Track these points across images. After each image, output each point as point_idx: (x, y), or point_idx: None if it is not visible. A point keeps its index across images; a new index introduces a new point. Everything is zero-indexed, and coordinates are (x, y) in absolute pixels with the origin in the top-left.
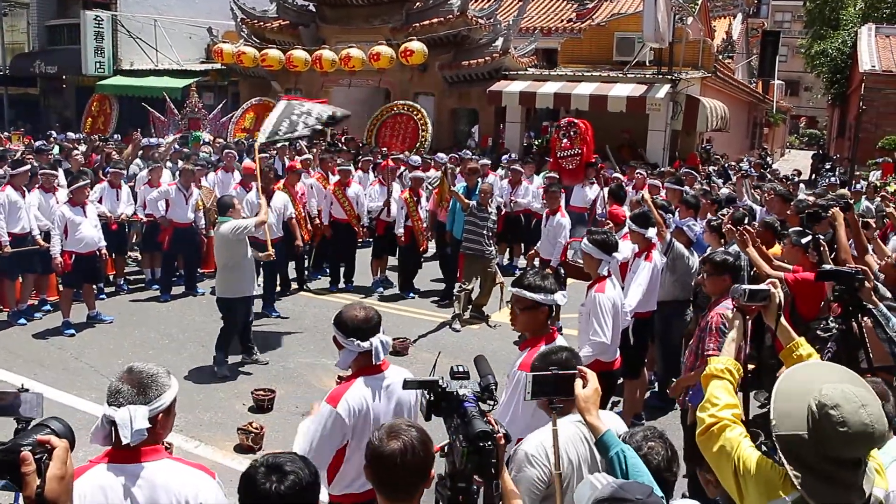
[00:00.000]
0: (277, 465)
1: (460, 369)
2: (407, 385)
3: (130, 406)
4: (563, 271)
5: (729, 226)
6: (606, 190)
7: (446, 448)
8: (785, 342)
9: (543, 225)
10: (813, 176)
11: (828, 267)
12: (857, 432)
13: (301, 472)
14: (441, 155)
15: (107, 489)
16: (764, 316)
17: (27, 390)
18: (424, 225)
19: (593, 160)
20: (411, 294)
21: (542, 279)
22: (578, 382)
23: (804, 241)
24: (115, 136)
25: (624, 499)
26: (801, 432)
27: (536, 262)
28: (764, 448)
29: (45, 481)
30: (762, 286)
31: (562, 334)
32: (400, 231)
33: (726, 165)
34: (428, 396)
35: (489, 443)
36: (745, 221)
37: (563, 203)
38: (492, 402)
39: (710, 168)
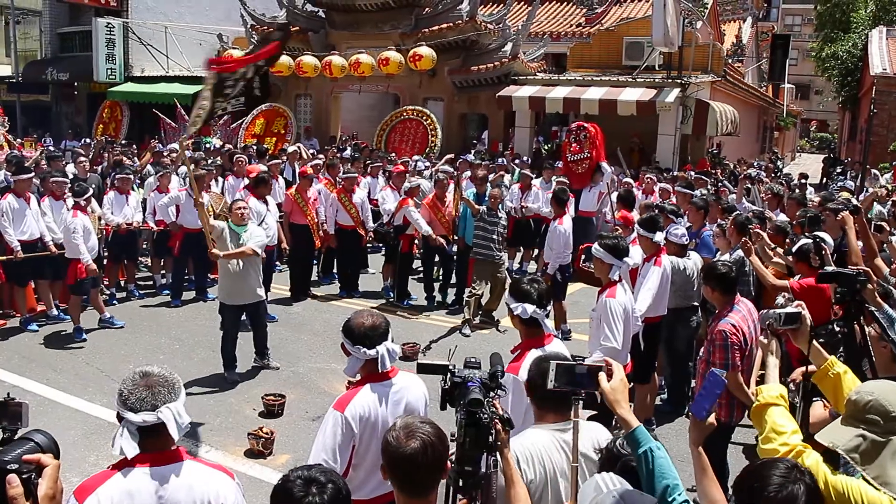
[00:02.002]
0: (313, 478)
1: (473, 360)
2: (421, 368)
3: (170, 404)
4: (559, 276)
5: (746, 239)
6: (615, 195)
7: (456, 434)
8: (818, 363)
9: None
10: (824, 180)
11: (829, 268)
12: (879, 387)
13: (338, 481)
14: (417, 157)
15: (133, 493)
16: (794, 339)
17: (13, 399)
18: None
19: (605, 165)
20: (407, 302)
21: (521, 284)
22: (603, 376)
23: (794, 248)
24: (122, 142)
25: None
26: (856, 433)
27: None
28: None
29: (37, 501)
30: (793, 309)
31: (562, 339)
32: (429, 231)
33: (736, 170)
34: (443, 384)
35: (483, 412)
36: (753, 225)
37: (572, 207)
38: (498, 389)
39: (719, 172)
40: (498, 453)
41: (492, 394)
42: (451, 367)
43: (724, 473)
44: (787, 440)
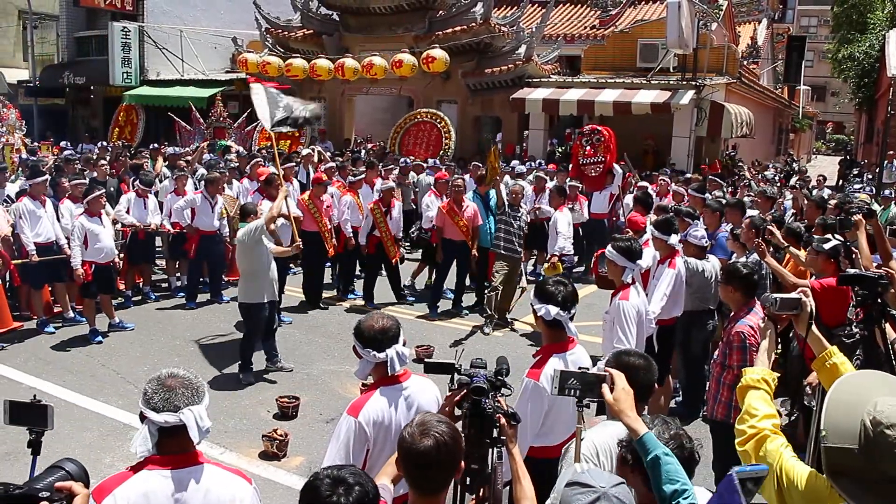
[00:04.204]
0: (341, 478)
1: (479, 360)
2: (428, 368)
3: (192, 407)
4: (564, 262)
5: (760, 241)
6: (630, 197)
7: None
8: (817, 351)
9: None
10: (840, 182)
11: (851, 271)
12: None
13: (366, 484)
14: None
15: (150, 495)
16: (795, 325)
17: (40, 401)
18: (395, 234)
19: (617, 166)
20: (373, 304)
21: (546, 285)
22: (606, 387)
23: (827, 246)
24: (141, 150)
25: (587, 484)
26: (851, 446)
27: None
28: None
29: None
30: (793, 295)
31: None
32: (362, 240)
33: (749, 172)
34: (450, 385)
35: (486, 402)
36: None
37: (586, 209)
38: (504, 387)
39: (748, 173)
40: (504, 448)
41: (497, 392)
42: (457, 367)
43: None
44: (755, 423)
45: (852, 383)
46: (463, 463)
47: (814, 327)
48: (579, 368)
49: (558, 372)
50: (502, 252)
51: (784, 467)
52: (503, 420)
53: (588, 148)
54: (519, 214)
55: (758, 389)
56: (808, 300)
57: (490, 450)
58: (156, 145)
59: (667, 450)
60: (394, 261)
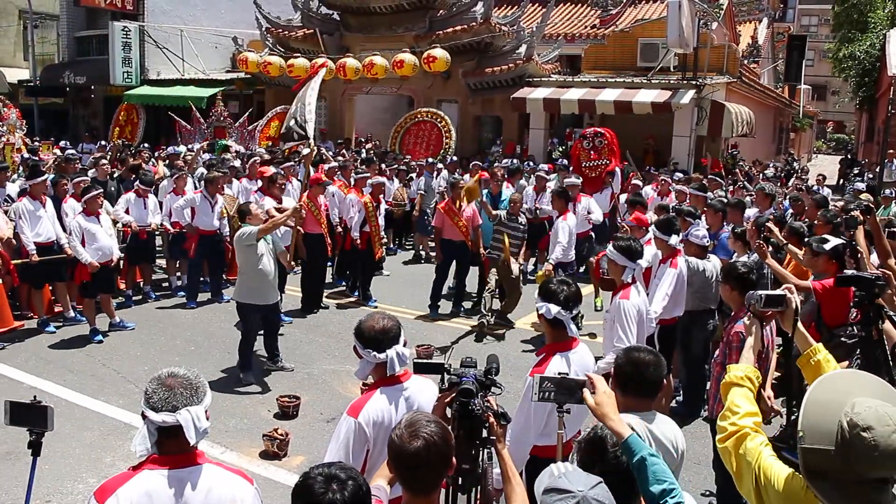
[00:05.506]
0: (333, 475)
1: (469, 359)
2: (417, 368)
3: (190, 407)
4: (561, 272)
5: (761, 241)
6: (623, 197)
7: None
8: (802, 348)
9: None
10: (841, 181)
11: (848, 272)
12: (888, 456)
13: (358, 478)
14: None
15: (152, 495)
16: (781, 322)
17: (40, 402)
18: (382, 232)
19: (619, 168)
20: (372, 303)
21: (549, 284)
22: (587, 392)
23: (827, 247)
24: (141, 149)
25: (566, 490)
26: (827, 448)
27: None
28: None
29: None
30: (778, 291)
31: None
32: (355, 234)
33: (751, 172)
34: (441, 385)
35: (475, 403)
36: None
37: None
38: (494, 386)
39: (740, 173)
40: (493, 448)
41: (487, 392)
42: (446, 367)
43: None
44: (736, 421)
45: (831, 384)
46: (454, 462)
47: (799, 324)
48: (558, 373)
49: (537, 378)
50: (493, 257)
51: (762, 466)
52: (492, 419)
53: (593, 153)
54: (518, 224)
55: (741, 387)
56: (793, 297)
57: (480, 450)
58: (147, 145)
59: (652, 450)
60: (377, 257)
